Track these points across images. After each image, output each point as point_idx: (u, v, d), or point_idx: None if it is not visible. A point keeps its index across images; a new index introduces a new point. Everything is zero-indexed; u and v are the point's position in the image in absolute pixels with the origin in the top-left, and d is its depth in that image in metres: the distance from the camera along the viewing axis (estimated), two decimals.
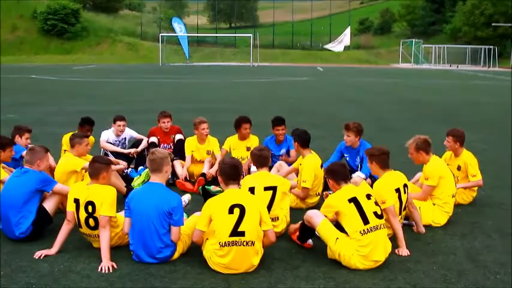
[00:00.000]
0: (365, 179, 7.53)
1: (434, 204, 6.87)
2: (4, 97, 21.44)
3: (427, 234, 6.53)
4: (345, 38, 79.62)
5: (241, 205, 5.26)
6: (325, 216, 5.59)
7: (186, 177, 8.66)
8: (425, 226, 6.65)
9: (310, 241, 6.03)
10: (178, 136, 9.53)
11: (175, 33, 66.53)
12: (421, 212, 6.66)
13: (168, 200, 5.51)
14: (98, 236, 5.71)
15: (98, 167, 5.86)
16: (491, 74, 52.15)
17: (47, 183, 6.28)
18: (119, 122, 9.59)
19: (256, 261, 5.35)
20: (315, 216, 5.62)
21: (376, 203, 5.61)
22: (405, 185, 6.24)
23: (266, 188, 6.19)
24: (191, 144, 9.19)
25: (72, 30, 68.62)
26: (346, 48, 79.21)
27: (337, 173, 5.75)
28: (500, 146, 12.76)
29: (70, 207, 5.81)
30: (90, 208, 5.68)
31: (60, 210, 6.52)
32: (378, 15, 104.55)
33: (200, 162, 9.14)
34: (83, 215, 5.72)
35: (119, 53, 67.53)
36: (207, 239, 5.44)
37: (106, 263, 5.38)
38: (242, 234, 5.22)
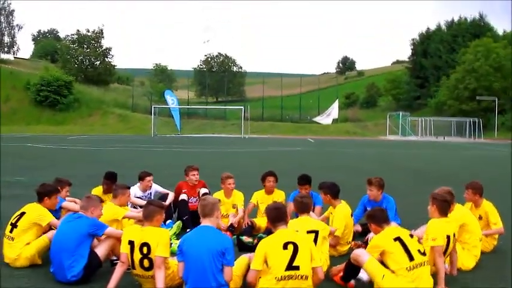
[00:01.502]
0: None
1: (463, 249, 7.22)
2: (4, 162, 21.61)
3: (459, 277, 6.84)
4: (333, 111, 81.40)
5: (294, 242, 5.58)
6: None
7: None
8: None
9: (352, 281, 6.33)
10: (204, 190, 9.89)
11: (167, 105, 67.73)
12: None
13: (221, 241, 5.81)
14: (151, 276, 5.97)
15: (153, 210, 6.19)
16: (477, 144, 53.37)
17: (99, 227, 6.58)
18: (148, 178, 9.98)
19: None
20: (362, 255, 5.96)
21: (419, 242, 5.98)
22: (454, 234, 6.61)
23: (309, 232, 6.53)
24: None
25: (65, 101, 69.62)
26: (335, 121, 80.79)
27: (378, 217, 6.18)
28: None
29: (124, 249, 6.07)
30: (145, 249, 5.96)
31: None
32: (364, 89, 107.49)
33: (225, 216, 9.45)
34: (137, 256, 5.98)
35: (110, 124, 68.32)
36: (260, 277, 5.71)
37: None
38: (297, 268, 5.53)
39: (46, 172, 18.45)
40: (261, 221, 9.38)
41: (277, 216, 5.88)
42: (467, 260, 7.22)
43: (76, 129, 62.39)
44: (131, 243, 6.03)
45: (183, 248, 5.84)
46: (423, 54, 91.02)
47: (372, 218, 6.23)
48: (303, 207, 6.82)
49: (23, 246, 7.01)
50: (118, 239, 6.65)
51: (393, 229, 6.07)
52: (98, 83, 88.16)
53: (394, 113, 77.85)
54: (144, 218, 6.23)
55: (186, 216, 9.49)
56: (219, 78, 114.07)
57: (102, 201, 7.07)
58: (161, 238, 5.96)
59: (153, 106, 65.20)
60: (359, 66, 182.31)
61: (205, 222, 5.99)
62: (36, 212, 7.21)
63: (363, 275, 6.45)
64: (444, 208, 6.72)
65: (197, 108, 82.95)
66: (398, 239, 5.86)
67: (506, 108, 74.08)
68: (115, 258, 7.01)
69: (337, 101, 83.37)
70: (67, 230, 6.44)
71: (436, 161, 30.03)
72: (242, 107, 65.59)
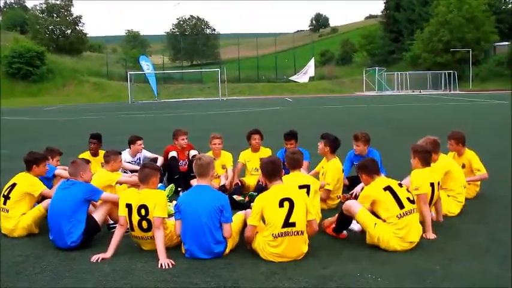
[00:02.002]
0: None
1: (448, 196, 7.50)
2: None
3: (445, 222, 7.13)
4: (310, 69, 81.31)
5: (290, 198, 5.76)
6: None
7: None
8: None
9: (344, 232, 6.57)
10: (193, 152, 10.01)
11: (143, 71, 67.07)
12: None
13: (218, 198, 6.00)
14: (151, 237, 6.14)
15: (149, 173, 6.31)
16: (454, 96, 54.01)
17: (94, 192, 6.68)
18: (138, 142, 10.08)
19: (305, 248, 5.85)
20: (354, 206, 6.18)
21: (408, 190, 6.21)
22: (438, 183, 6.84)
23: (300, 187, 6.71)
24: None
25: (38, 72, 68.40)
26: (311, 79, 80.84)
27: (370, 168, 6.37)
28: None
29: (122, 212, 6.21)
30: (143, 211, 6.10)
31: None
32: (338, 46, 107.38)
33: (215, 177, 9.60)
34: (135, 218, 6.13)
35: (86, 94, 67.54)
36: (257, 232, 5.91)
37: (164, 260, 5.77)
38: (293, 225, 5.71)
39: (29, 144, 18.30)
40: (250, 180, 9.57)
41: (273, 170, 6.02)
42: (452, 206, 7.49)
43: (51, 100, 61.46)
44: (129, 206, 6.17)
45: (181, 206, 6.00)
46: (396, 7, 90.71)
47: (364, 169, 6.42)
48: (295, 163, 6.98)
49: (19, 216, 7.09)
50: (114, 204, 6.78)
51: (383, 179, 6.27)
52: (71, 52, 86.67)
53: (370, 69, 78.10)
54: (140, 180, 6.35)
55: (177, 175, 9.61)
56: (192, 41, 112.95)
57: (88, 162, 7.12)
58: (158, 199, 6.11)
59: (128, 73, 64.41)
60: (332, 23, 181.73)
61: (201, 181, 6.14)
62: (27, 182, 7.25)
63: (354, 226, 6.70)
64: (426, 159, 6.93)
65: (173, 72, 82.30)
66: (388, 188, 6.08)
67: (480, 59, 74.79)
68: (111, 222, 7.16)
69: (313, 59, 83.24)
70: (63, 197, 6.52)
71: (415, 114, 30.43)
72: (218, 70, 65.27)
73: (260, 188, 9.06)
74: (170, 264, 5.72)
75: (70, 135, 21.59)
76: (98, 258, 6.00)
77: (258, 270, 5.54)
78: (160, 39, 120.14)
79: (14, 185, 7.24)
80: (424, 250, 6.00)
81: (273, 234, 5.70)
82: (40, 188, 7.27)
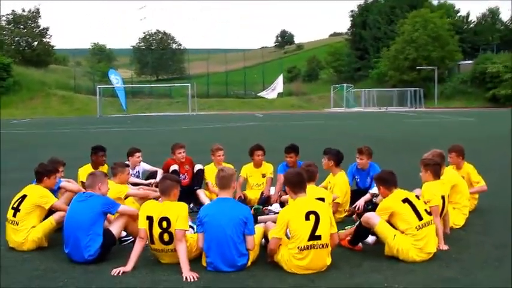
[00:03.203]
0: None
1: (454, 208, 7.71)
2: None
3: (452, 234, 7.32)
4: (278, 85, 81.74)
5: (316, 212, 5.86)
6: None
7: None
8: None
9: (360, 244, 6.69)
10: (198, 166, 10.04)
11: (111, 84, 66.47)
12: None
13: (242, 211, 6.06)
14: (171, 250, 6.14)
15: (170, 185, 6.33)
16: (422, 113, 55.12)
17: (112, 205, 6.66)
18: (137, 154, 10.07)
19: (328, 261, 5.95)
20: (373, 217, 6.32)
21: (425, 202, 6.38)
22: (448, 195, 7.05)
23: (317, 199, 6.80)
24: (210, 171, 9.71)
25: (4, 84, 67.00)
26: (280, 95, 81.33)
27: (388, 180, 6.52)
28: None
29: (142, 224, 6.19)
30: (164, 224, 6.10)
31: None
32: (304, 63, 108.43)
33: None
34: (156, 230, 6.12)
35: (54, 107, 66.40)
36: (280, 245, 5.98)
37: (188, 273, 5.78)
38: (319, 238, 5.81)
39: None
40: (251, 193, 9.66)
41: (298, 181, 6.11)
42: (458, 218, 7.72)
43: (18, 113, 60.35)
44: (149, 218, 6.16)
45: (204, 219, 6.03)
46: (362, 25, 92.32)
47: (382, 181, 6.56)
48: (310, 176, 7.07)
49: (29, 229, 6.99)
50: (130, 216, 6.78)
51: (400, 191, 6.43)
52: (37, 64, 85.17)
53: (338, 86, 79.03)
54: (161, 192, 6.36)
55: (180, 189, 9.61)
56: (158, 56, 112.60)
57: (106, 175, 7.13)
58: (181, 212, 6.12)
59: (97, 86, 63.82)
60: (297, 40, 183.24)
61: (223, 194, 6.18)
62: (37, 194, 7.16)
63: (368, 239, 6.82)
64: (437, 171, 7.16)
65: (141, 86, 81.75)
66: (406, 200, 6.25)
67: (445, 77, 76.52)
68: (123, 235, 7.13)
69: (281, 76, 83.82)
70: (80, 210, 6.47)
71: (391, 130, 30.96)
72: (189, 84, 65.14)
73: (263, 201, 9.19)
74: (195, 277, 5.73)
75: (44, 148, 21.22)
76: (119, 272, 5.97)
77: (284, 281, 5.63)
78: (126, 53, 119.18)
79: (24, 196, 7.14)
80: (442, 260, 6.18)
81: (298, 247, 5.78)
82: (51, 200, 7.19)
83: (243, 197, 9.40)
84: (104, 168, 9.49)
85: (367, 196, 8.47)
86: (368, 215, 6.43)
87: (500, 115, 46.30)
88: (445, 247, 6.62)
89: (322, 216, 5.85)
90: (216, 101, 76.27)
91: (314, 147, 18.74)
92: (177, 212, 6.11)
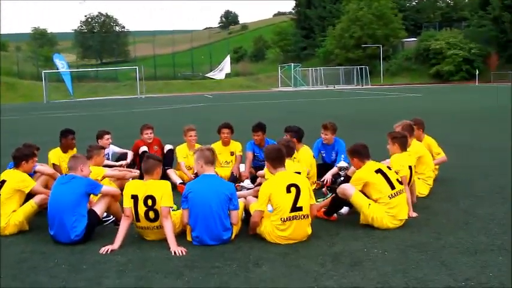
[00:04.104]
0: (347, 168, 8.59)
1: (419, 179, 8.16)
2: None
3: (419, 202, 7.76)
4: (225, 66, 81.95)
5: (296, 184, 6.16)
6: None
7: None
8: None
9: (335, 215, 7.05)
10: (168, 146, 10.19)
11: (56, 69, 65.04)
12: None
13: (227, 187, 6.31)
14: (157, 227, 6.34)
15: (153, 164, 6.49)
16: (369, 90, 56.34)
17: (95, 186, 6.77)
18: (106, 136, 10.08)
19: (309, 231, 6.28)
20: (348, 189, 6.67)
21: (396, 172, 6.77)
22: (415, 166, 7.46)
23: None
24: (182, 152, 9.90)
25: None
26: (227, 75, 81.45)
27: (361, 153, 6.87)
28: None
29: (127, 203, 6.34)
30: (149, 202, 6.27)
31: None
32: (251, 43, 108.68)
33: (189, 168, 9.83)
34: (142, 209, 6.29)
35: None
36: (263, 217, 6.26)
37: (176, 248, 5.98)
38: (300, 209, 6.12)
39: None
40: (220, 171, 9.83)
41: (278, 157, 6.39)
42: (422, 188, 8.17)
43: None
44: (134, 197, 6.31)
45: (189, 195, 6.24)
46: (307, 5, 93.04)
47: (356, 153, 6.89)
48: (288, 151, 7.34)
49: (9, 213, 7.03)
50: (112, 197, 6.92)
51: (373, 163, 6.80)
52: None
53: (285, 65, 79.67)
54: (144, 171, 6.50)
55: None
56: (101, 39, 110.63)
57: (91, 157, 7.22)
58: (165, 189, 6.31)
59: (42, 71, 62.32)
60: (242, 20, 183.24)
61: (209, 170, 6.39)
62: (17, 178, 7.17)
63: (341, 209, 7.19)
64: (404, 144, 7.53)
65: (87, 70, 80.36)
66: (379, 170, 6.62)
67: (390, 55, 78.23)
68: (104, 215, 7.26)
69: (228, 56, 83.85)
70: (64, 192, 6.54)
71: (344, 107, 31.62)
72: (136, 67, 64.48)
73: (233, 179, 9.44)
74: (184, 252, 5.95)
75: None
76: (107, 250, 6.12)
77: (270, 251, 5.90)
78: (68, 37, 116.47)
79: (3, 182, 7.15)
80: (413, 227, 6.59)
81: (281, 219, 6.07)
82: (31, 184, 7.22)
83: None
84: (73, 152, 9.53)
85: (334, 169, 8.83)
86: (343, 186, 6.78)
87: (444, 90, 47.88)
88: (414, 214, 7.04)
89: (303, 189, 6.16)
90: (164, 83, 75.80)
91: (274, 126, 19.18)
92: (162, 190, 6.29)
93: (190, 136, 9.95)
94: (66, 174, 6.88)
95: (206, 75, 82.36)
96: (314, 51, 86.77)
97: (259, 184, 8.07)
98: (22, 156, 7.39)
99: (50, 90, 61.84)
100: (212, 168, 6.41)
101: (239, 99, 46.25)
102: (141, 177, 8.52)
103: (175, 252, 5.93)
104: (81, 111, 37.22)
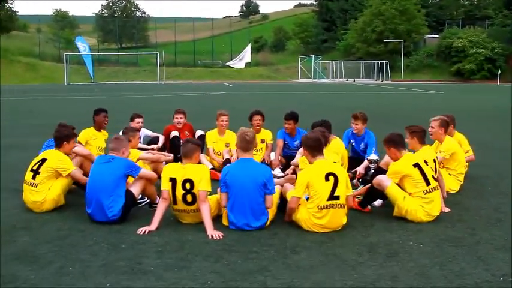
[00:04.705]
0: (377, 161, 8.62)
1: (450, 175, 8.19)
2: None
3: (450, 198, 7.78)
4: (246, 55, 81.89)
5: (334, 173, 6.22)
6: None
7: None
8: None
9: (368, 207, 7.11)
10: (200, 132, 10.30)
11: (79, 52, 65.44)
12: None
13: (264, 172, 6.38)
14: (194, 211, 6.43)
15: (192, 148, 6.58)
16: (391, 85, 56.06)
17: (134, 168, 6.88)
18: (137, 119, 10.21)
19: (344, 220, 6.35)
20: (384, 180, 6.71)
21: (432, 169, 6.79)
22: (436, 158, 7.43)
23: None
24: (212, 137, 10.00)
25: None
26: (247, 65, 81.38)
27: (397, 142, 6.90)
28: None
29: (166, 186, 6.44)
30: (188, 185, 6.36)
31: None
32: (271, 33, 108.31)
33: (218, 153, 9.93)
34: (180, 192, 6.39)
35: (18, 74, 65.03)
36: (299, 204, 6.33)
37: (213, 232, 6.08)
38: (337, 198, 6.19)
39: None
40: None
41: (317, 145, 6.47)
42: (453, 184, 8.21)
43: None
44: (173, 180, 6.41)
45: (227, 179, 6.32)
46: None
47: (392, 143, 6.90)
48: (325, 141, 7.41)
49: (47, 190, 7.15)
50: (148, 179, 7.03)
51: (411, 155, 6.83)
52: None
53: (306, 57, 79.44)
54: (183, 155, 6.60)
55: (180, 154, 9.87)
56: (122, 23, 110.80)
57: (129, 141, 7.33)
58: (203, 174, 6.39)
59: (64, 54, 62.74)
60: (262, 10, 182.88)
61: (245, 155, 6.47)
62: (57, 158, 7.25)
63: (375, 202, 7.24)
64: (423, 138, 7.30)
65: (108, 54, 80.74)
66: (417, 165, 6.64)
67: (411, 51, 77.70)
68: (139, 197, 7.37)
69: (249, 45, 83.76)
70: (104, 171, 6.65)
71: (364, 101, 31.52)
72: (157, 53, 64.68)
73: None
74: (220, 235, 6.04)
75: (18, 115, 21.09)
76: (145, 231, 6.23)
77: (307, 239, 5.98)
78: (89, 20, 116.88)
79: (43, 160, 7.26)
80: (447, 222, 6.63)
81: (318, 206, 6.15)
82: (70, 167, 7.26)
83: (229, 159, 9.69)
84: (105, 135, 9.69)
85: (365, 163, 8.87)
86: (379, 177, 6.81)
87: (465, 89, 47.53)
88: (446, 209, 7.07)
89: (340, 178, 6.23)
90: (183, 70, 75.96)
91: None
92: (200, 174, 6.38)
93: (222, 121, 10.03)
94: (105, 154, 6.98)
95: (226, 63, 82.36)
96: (334, 44, 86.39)
97: (293, 173, 8.14)
98: (63, 137, 7.45)
99: (70, 73, 62.25)
100: (248, 153, 6.48)
101: (260, 88, 46.26)
102: (175, 160, 8.73)
103: (212, 236, 6.02)
104: (101, 94, 37.45)
